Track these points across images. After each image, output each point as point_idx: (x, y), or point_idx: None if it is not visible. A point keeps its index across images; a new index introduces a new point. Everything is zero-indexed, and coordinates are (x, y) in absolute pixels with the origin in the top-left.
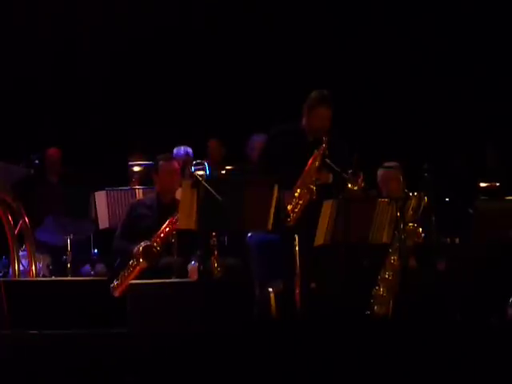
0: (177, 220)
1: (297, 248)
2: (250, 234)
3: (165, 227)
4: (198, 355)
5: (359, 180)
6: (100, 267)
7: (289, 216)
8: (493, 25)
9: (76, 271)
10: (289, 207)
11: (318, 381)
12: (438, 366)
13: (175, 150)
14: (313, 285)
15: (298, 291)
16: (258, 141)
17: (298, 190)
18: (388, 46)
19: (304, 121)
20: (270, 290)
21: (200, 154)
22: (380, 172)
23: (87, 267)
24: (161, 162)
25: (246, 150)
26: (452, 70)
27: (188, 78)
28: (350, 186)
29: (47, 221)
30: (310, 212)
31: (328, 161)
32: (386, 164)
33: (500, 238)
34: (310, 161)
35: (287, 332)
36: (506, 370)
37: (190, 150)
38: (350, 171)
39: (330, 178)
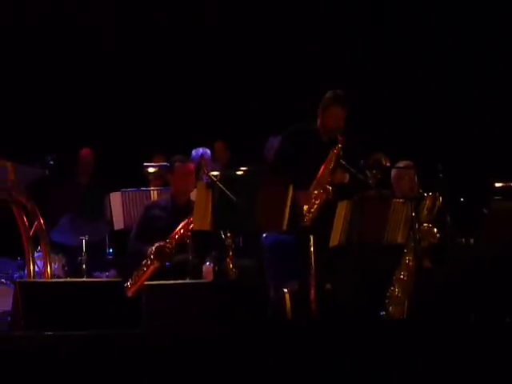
0: (192, 221)
1: (312, 249)
2: (264, 235)
3: (180, 228)
4: (212, 356)
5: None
6: (112, 274)
7: (305, 216)
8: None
9: (90, 273)
10: (305, 207)
11: (332, 382)
12: (452, 366)
13: (193, 152)
14: (328, 286)
15: (312, 292)
16: (276, 142)
17: (315, 191)
18: (401, 46)
19: (318, 121)
20: (285, 290)
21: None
22: (393, 172)
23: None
24: (176, 164)
25: (264, 151)
26: (467, 69)
27: (198, 80)
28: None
29: (62, 222)
30: (325, 213)
31: (343, 162)
32: (399, 164)
33: None
34: (326, 161)
35: (302, 333)
36: None
37: (207, 151)
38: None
39: (347, 177)
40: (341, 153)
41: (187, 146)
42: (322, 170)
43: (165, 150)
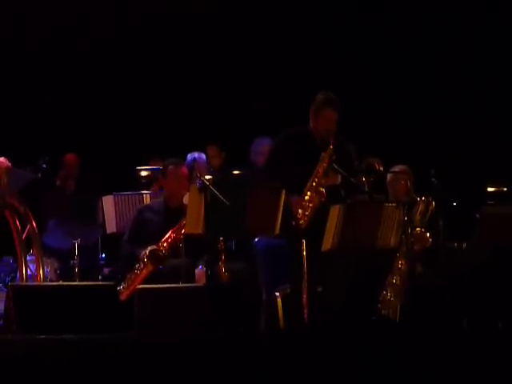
0: (184, 225)
1: (304, 253)
2: (257, 239)
3: (172, 232)
4: (204, 360)
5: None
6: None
7: (300, 220)
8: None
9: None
10: (300, 211)
11: None
12: (444, 371)
13: (188, 156)
14: (320, 289)
15: (305, 296)
16: (263, 145)
17: (308, 193)
18: (396, 50)
19: (310, 123)
20: (277, 294)
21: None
22: (389, 176)
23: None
24: (170, 167)
25: (250, 154)
26: (461, 72)
27: (190, 83)
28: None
29: (52, 225)
30: (318, 217)
31: (335, 165)
32: (395, 168)
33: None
34: (319, 164)
35: (294, 337)
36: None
37: (202, 156)
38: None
39: (339, 179)
40: (333, 156)
41: (189, 150)
42: (314, 172)
43: (165, 152)
